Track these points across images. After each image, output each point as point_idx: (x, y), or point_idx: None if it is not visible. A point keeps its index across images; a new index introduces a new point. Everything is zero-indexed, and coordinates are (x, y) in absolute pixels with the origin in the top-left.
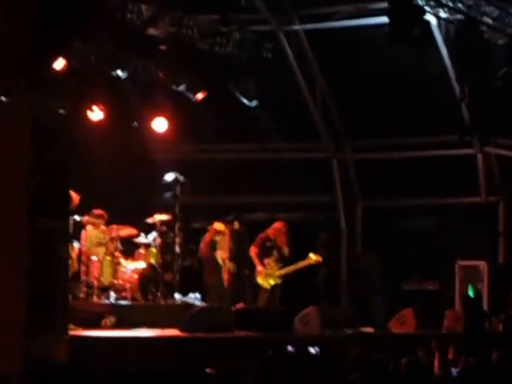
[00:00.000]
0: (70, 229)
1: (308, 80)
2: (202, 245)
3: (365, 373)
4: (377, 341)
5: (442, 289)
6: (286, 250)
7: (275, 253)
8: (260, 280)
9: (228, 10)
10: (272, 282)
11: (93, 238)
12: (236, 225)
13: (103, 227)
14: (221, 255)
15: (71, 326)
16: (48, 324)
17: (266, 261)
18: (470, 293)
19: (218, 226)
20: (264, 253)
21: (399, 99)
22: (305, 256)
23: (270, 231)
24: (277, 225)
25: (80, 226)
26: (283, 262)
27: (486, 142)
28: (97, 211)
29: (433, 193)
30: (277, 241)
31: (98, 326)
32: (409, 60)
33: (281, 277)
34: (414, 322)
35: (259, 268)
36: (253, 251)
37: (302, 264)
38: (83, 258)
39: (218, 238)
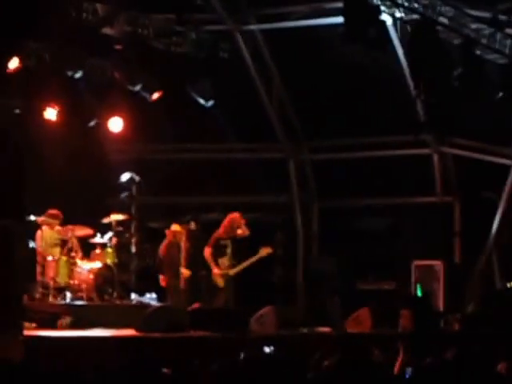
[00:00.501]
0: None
1: (264, 80)
2: (162, 245)
3: (321, 372)
4: (333, 340)
5: (397, 288)
6: (245, 232)
7: (228, 251)
8: (217, 280)
9: (184, 10)
10: (227, 282)
11: (48, 238)
12: (192, 225)
13: (59, 227)
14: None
15: (27, 326)
16: (3, 324)
17: (221, 260)
18: (421, 292)
19: (175, 227)
20: (218, 252)
21: (355, 99)
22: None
23: (221, 229)
24: (226, 220)
25: (36, 227)
26: (237, 258)
27: (442, 141)
28: (52, 211)
29: (389, 193)
30: (231, 236)
31: (53, 327)
32: (365, 60)
33: (236, 274)
34: (370, 322)
35: (215, 270)
36: (207, 252)
37: (254, 259)
38: (39, 258)
39: (177, 239)
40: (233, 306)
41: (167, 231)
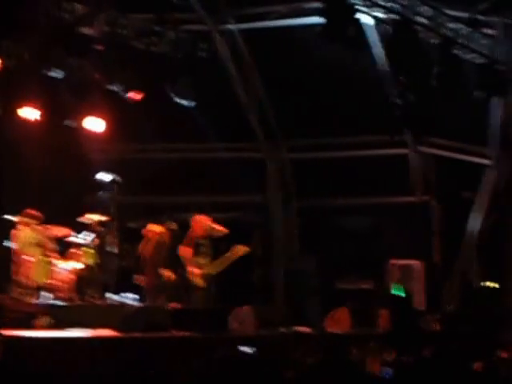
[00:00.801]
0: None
1: (243, 79)
2: (141, 245)
3: (300, 372)
4: (311, 340)
5: (376, 288)
6: (222, 231)
7: (205, 250)
8: (196, 280)
9: (163, 10)
10: (207, 281)
11: (26, 237)
12: (173, 225)
13: (37, 227)
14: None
15: (3, 326)
16: None
17: (198, 260)
18: (397, 291)
19: (156, 227)
20: (195, 252)
21: (334, 99)
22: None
23: (197, 229)
24: (198, 219)
25: (12, 226)
26: (213, 256)
27: (420, 141)
28: (31, 211)
29: (367, 192)
30: (208, 236)
31: (30, 326)
32: (344, 60)
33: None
34: (349, 321)
35: (195, 270)
36: (187, 252)
37: (232, 258)
38: (15, 257)
39: (164, 239)
40: (212, 306)
41: (150, 231)
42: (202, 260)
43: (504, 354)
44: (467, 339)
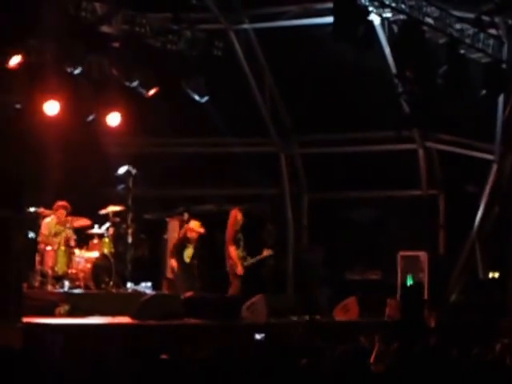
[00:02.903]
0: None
1: (257, 77)
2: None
3: (312, 359)
4: (321, 328)
5: (384, 278)
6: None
7: (242, 244)
8: (236, 269)
9: (179, 9)
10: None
11: (49, 228)
12: (186, 216)
13: (59, 218)
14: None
15: (25, 314)
16: (2, 312)
17: (237, 252)
18: (410, 282)
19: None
20: (236, 245)
21: (345, 96)
22: (254, 246)
23: (235, 223)
24: (236, 215)
25: (36, 218)
26: (246, 250)
27: (427, 137)
28: (61, 202)
29: (376, 186)
30: (240, 230)
31: (51, 314)
32: (354, 58)
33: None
34: (357, 310)
35: (240, 268)
36: (232, 250)
37: (261, 256)
38: (39, 247)
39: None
40: (225, 295)
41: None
42: (239, 252)
43: (506, 341)
44: (471, 328)
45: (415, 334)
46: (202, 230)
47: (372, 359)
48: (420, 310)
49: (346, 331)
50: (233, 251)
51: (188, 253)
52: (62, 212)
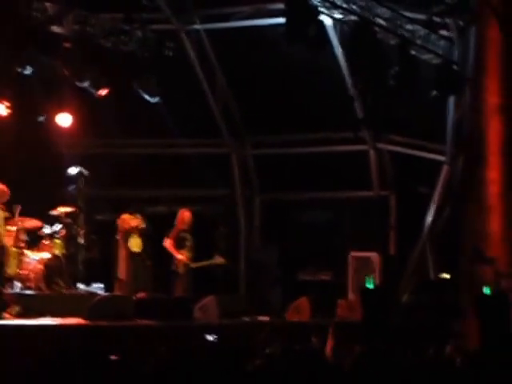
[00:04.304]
0: None
1: (209, 78)
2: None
3: (265, 360)
4: (273, 329)
5: (335, 279)
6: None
7: (188, 244)
8: (178, 268)
9: (131, 9)
10: (188, 271)
11: None
12: (137, 217)
13: (8, 219)
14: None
15: None
16: None
17: (181, 252)
18: (369, 284)
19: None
20: (178, 244)
21: (297, 97)
22: (205, 248)
23: (181, 223)
24: (186, 214)
25: None
26: (194, 251)
27: (379, 138)
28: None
29: (328, 187)
30: (187, 230)
31: (1, 316)
32: (306, 59)
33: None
34: (309, 311)
35: (179, 257)
36: (169, 243)
37: (212, 262)
38: None
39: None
40: (191, 294)
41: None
42: (184, 252)
43: (457, 342)
44: (423, 329)
45: (379, 337)
46: (133, 223)
47: (328, 351)
48: (383, 312)
49: (298, 332)
50: (170, 248)
51: (134, 242)
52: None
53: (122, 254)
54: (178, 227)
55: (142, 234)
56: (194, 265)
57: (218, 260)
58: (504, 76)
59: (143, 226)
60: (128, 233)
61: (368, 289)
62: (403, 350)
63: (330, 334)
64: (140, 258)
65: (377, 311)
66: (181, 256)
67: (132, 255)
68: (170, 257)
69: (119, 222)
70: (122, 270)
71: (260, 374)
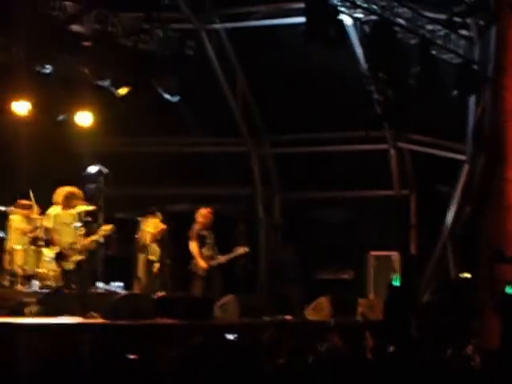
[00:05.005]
0: None
1: (229, 77)
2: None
3: (288, 359)
4: (294, 327)
5: (355, 278)
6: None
7: (208, 241)
8: (198, 270)
9: (151, 9)
10: (210, 271)
11: (17, 227)
12: (158, 216)
13: (28, 216)
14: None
15: None
16: None
17: (202, 250)
18: (395, 282)
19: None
20: (200, 244)
21: (316, 96)
22: (225, 246)
23: (202, 221)
24: (205, 212)
25: (5, 217)
26: (215, 248)
27: (399, 137)
28: (23, 201)
29: (348, 186)
30: (208, 228)
31: (21, 314)
32: (326, 58)
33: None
34: (329, 310)
35: (202, 263)
36: (194, 246)
37: (234, 255)
38: (7, 247)
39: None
40: (197, 295)
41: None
42: (205, 251)
43: (477, 342)
44: (443, 329)
45: (402, 335)
46: (155, 230)
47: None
48: (408, 311)
49: (318, 331)
50: (193, 247)
51: (152, 251)
52: (31, 211)
53: (141, 257)
54: (198, 226)
55: (161, 240)
56: (216, 262)
57: (241, 250)
58: None
59: (162, 232)
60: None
61: (394, 286)
62: (424, 349)
63: (368, 335)
64: (158, 261)
65: (400, 310)
66: (203, 263)
67: (150, 260)
68: (191, 257)
69: (143, 224)
70: (141, 270)
71: (281, 373)
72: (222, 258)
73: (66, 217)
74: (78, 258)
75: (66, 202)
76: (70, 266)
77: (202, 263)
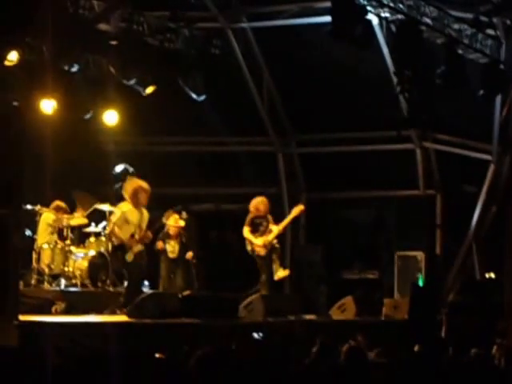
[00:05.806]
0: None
1: (255, 76)
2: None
3: (315, 358)
4: (319, 327)
5: (380, 278)
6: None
7: (262, 229)
8: (260, 251)
9: (177, 8)
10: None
11: (45, 226)
12: (183, 215)
13: (55, 216)
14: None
15: (22, 312)
16: None
17: (256, 236)
18: (420, 282)
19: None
20: (253, 230)
21: (342, 95)
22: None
23: (252, 210)
24: (254, 202)
25: (33, 215)
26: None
27: (425, 137)
28: (57, 202)
29: (374, 185)
30: (262, 216)
31: (48, 313)
32: (352, 58)
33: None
34: (355, 310)
35: (257, 241)
36: (245, 231)
37: (290, 218)
38: (35, 245)
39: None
40: (223, 294)
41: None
42: (258, 236)
43: (503, 342)
44: (469, 329)
45: (426, 335)
46: (178, 225)
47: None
48: (432, 311)
49: (343, 330)
50: (245, 233)
51: (171, 248)
52: (59, 210)
53: (162, 255)
54: (250, 214)
55: (181, 237)
56: (273, 234)
57: (296, 210)
58: None
59: (179, 229)
60: (166, 235)
61: (418, 286)
62: (449, 349)
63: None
64: (178, 260)
65: (425, 309)
66: (258, 241)
67: (169, 258)
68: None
69: (165, 219)
70: (162, 269)
71: (308, 373)
72: (280, 226)
73: (132, 215)
74: (140, 248)
75: (135, 198)
76: (129, 257)
77: (257, 241)
